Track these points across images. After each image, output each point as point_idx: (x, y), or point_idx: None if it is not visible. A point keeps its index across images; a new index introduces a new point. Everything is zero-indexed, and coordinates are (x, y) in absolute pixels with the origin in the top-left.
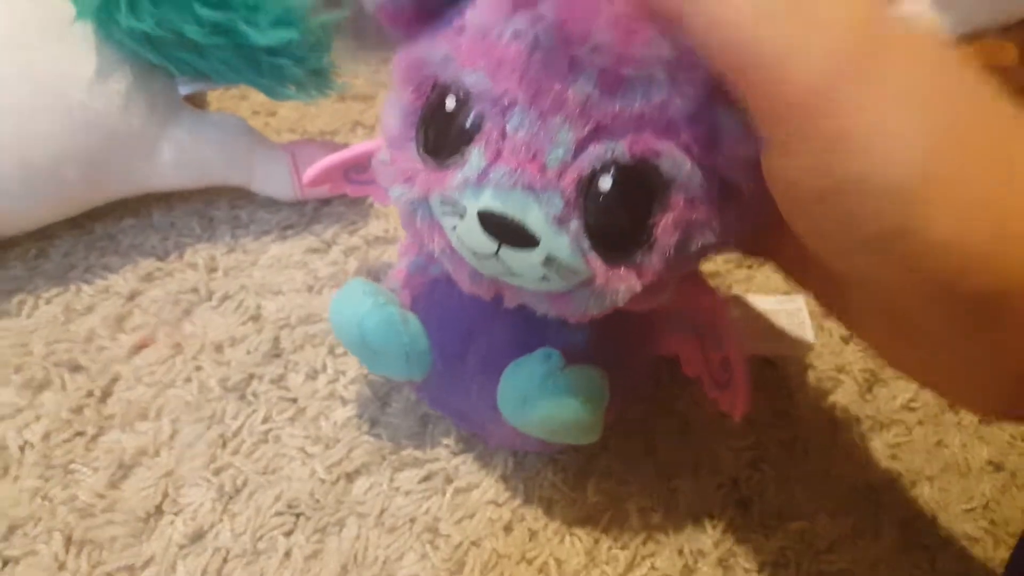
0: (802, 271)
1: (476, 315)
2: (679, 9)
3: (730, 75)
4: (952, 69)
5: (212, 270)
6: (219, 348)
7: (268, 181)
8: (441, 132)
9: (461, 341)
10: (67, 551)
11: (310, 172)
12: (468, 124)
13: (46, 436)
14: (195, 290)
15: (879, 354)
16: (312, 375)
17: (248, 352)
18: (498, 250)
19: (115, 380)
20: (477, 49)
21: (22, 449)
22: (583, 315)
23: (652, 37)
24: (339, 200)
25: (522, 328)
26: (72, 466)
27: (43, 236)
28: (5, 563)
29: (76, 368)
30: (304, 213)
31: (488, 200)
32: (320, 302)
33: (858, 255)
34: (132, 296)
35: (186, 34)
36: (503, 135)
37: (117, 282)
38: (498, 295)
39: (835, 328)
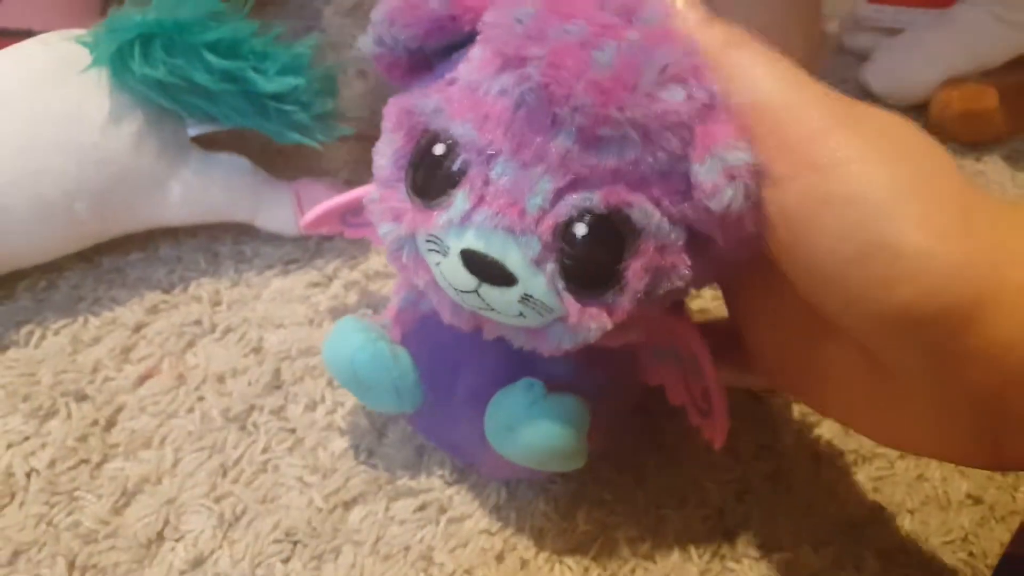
0: (783, 370)
1: (464, 349)
2: (717, 64)
3: (747, 121)
4: (916, 136)
5: (216, 303)
6: (221, 379)
7: (272, 218)
8: (429, 175)
9: (450, 374)
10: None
11: (308, 216)
12: (454, 169)
13: (52, 463)
14: (199, 323)
15: (865, 431)
16: (311, 406)
17: (249, 383)
18: (478, 287)
19: (120, 409)
20: (466, 102)
21: (28, 476)
22: (557, 349)
23: (628, 102)
24: (341, 236)
25: (508, 361)
26: (76, 493)
27: (52, 269)
28: None
29: (82, 397)
30: (307, 248)
31: (471, 240)
32: (320, 335)
33: (843, 275)
34: (138, 328)
35: (197, 81)
36: (487, 181)
37: (124, 314)
38: (479, 328)
39: None
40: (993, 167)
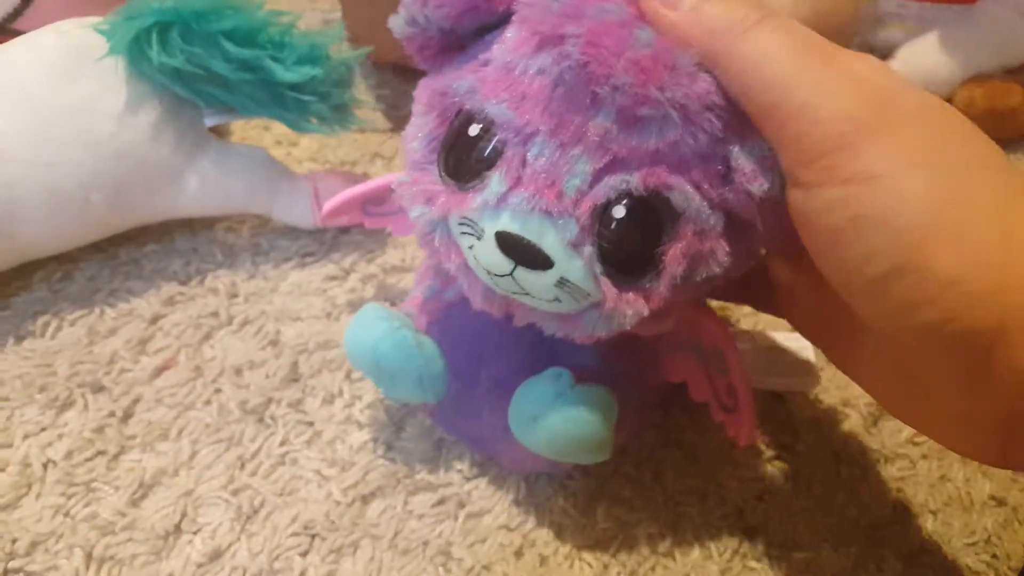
0: (814, 326)
1: (489, 338)
2: (725, 51)
3: (764, 116)
4: (957, 130)
5: (233, 296)
6: (239, 372)
7: (289, 210)
8: (463, 157)
9: (474, 363)
10: (88, 567)
11: (329, 205)
12: (489, 151)
13: (69, 454)
14: (216, 315)
15: (883, 405)
16: (329, 400)
17: (267, 376)
18: (513, 270)
19: (137, 401)
20: (502, 82)
21: (45, 467)
22: (590, 336)
23: (669, 82)
24: (357, 229)
25: (533, 350)
26: (94, 484)
27: (68, 260)
28: None
29: (99, 389)
30: (323, 241)
31: (506, 222)
32: (338, 328)
33: (869, 291)
34: (154, 319)
35: (215, 70)
36: (523, 163)
37: (140, 305)
38: (509, 315)
39: None
40: (1018, 165)
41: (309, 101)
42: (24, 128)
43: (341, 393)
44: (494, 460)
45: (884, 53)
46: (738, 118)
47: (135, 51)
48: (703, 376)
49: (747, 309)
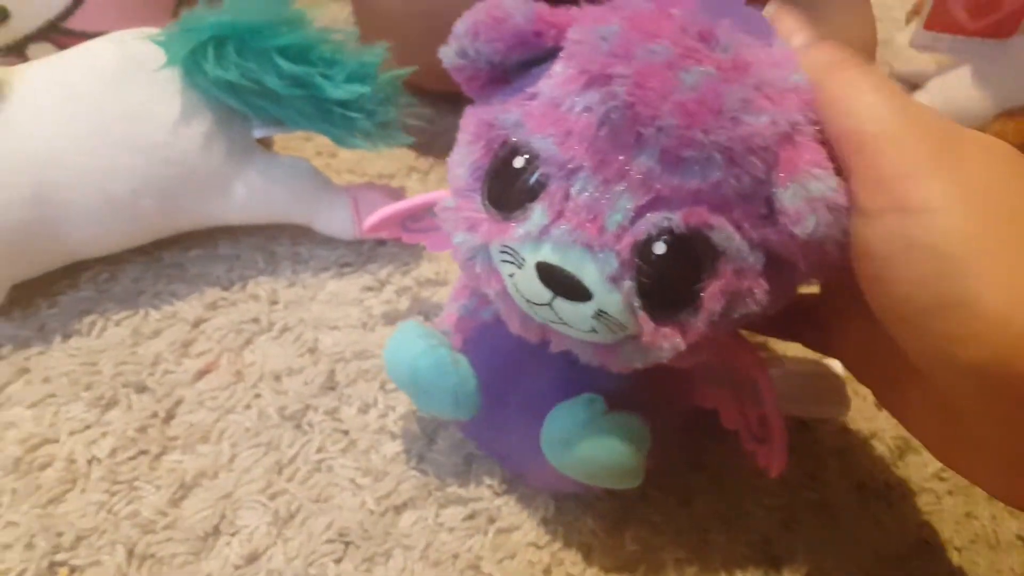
0: (862, 364)
1: (523, 359)
2: (822, 81)
3: (844, 140)
4: (1018, 173)
5: (273, 302)
6: (278, 378)
7: (329, 221)
8: (506, 187)
9: (507, 384)
10: (129, 564)
11: (370, 220)
12: (533, 183)
13: (112, 452)
14: (256, 320)
15: (930, 449)
16: (364, 409)
17: (305, 383)
18: (552, 300)
19: (179, 403)
20: (548, 117)
21: (90, 463)
22: (625, 367)
23: (713, 125)
24: (393, 242)
25: (566, 373)
26: (136, 483)
27: (114, 261)
28: (72, 571)
29: (142, 389)
30: (361, 252)
31: (547, 254)
32: (373, 339)
33: (917, 323)
34: (197, 323)
35: (267, 84)
36: (566, 196)
37: (183, 309)
38: (545, 340)
39: (869, 394)
40: None
41: (356, 118)
42: (79, 133)
43: (376, 403)
44: (522, 478)
45: (913, 84)
46: (784, 160)
47: (191, 63)
48: (735, 406)
49: None
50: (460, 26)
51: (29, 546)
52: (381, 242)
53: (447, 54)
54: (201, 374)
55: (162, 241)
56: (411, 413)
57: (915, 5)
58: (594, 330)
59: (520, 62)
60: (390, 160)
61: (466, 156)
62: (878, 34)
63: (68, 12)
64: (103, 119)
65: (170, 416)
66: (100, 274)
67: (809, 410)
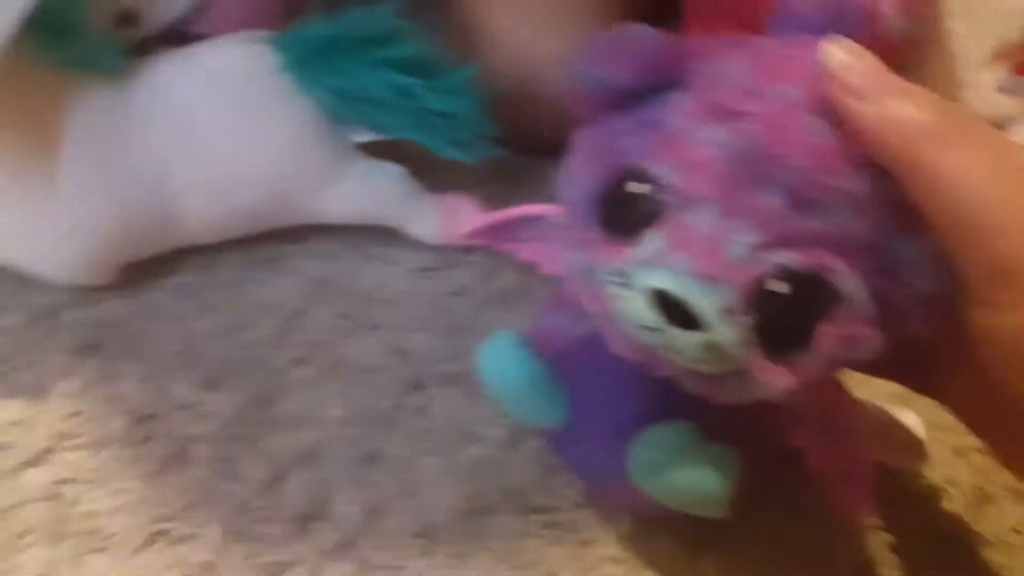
0: (975, 416)
1: (615, 380)
2: (917, 160)
3: (953, 229)
4: None
5: (365, 300)
6: (369, 372)
7: (419, 225)
8: (622, 212)
9: (597, 403)
10: (224, 541)
11: (470, 226)
12: (651, 210)
13: (214, 432)
14: (348, 316)
15: None
16: (450, 411)
17: (395, 381)
18: (662, 327)
19: (277, 390)
20: (671, 147)
21: (193, 441)
22: (728, 399)
23: (843, 171)
24: (481, 250)
25: (659, 398)
26: (237, 464)
27: (213, 250)
28: (176, 540)
29: (243, 374)
30: (447, 258)
31: (663, 281)
32: (460, 342)
33: None
34: (293, 315)
35: (374, 93)
36: (686, 226)
37: (280, 300)
38: (643, 363)
39: (947, 439)
40: None
41: (455, 129)
42: (201, 127)
43: (462, 406)
44: (602, 495)
45: (996, 127)
46: (913, 215)
47: (303, 69)
48: (823, 446)
49: (859, 378)
50: (585, 51)
51: (134, 513)
52: (468, 248)
53: (570, 76)
54: (296, 363)
55: (259, 234)
56: (497, 418)
57: (1000, 47)
58: (702, 360)
59: (639, 89)
60: (477, 169)
61: (580, 177)
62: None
63: (191, 17)
64: (223, 116)
65: (268, 403)
66: (202, 261)
67: (886, 454)
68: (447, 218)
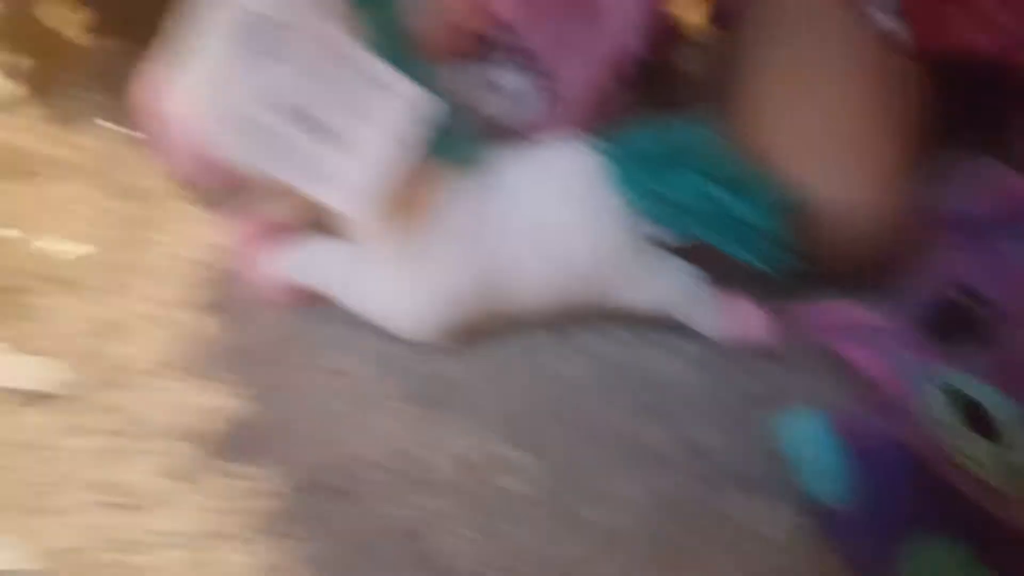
0: None
1: (902, 479)
2: None
3: None
4: None
5: (654, 385)
6: (695, 448)
7: (703, 318)
8: (951, 323)
9: (879, 494)
10: None
11: (754, 324)
12: (977, 327)
13: (532, 495)
14: (640, 403)
15: None
16: (745, 512)
17: (689, 476)
18: (963, 435)
19: (581, 463)
20: (1007, 275)
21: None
22: (1007, 517)
23: None
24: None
25: (938, 506)
26: (556, 529)
27: (529, 327)
28: None
29: (551, 440)
30: (725, 350)
31: (964, 383)
32: (748, 440)
33: None
34: (594, 393)
35: (693, 204)
36: (1010, 346)
37: (581, 375)
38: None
39: None
40: None
41: (763, 242)
42: (542, 218)
43: (757, 509)
44: None
45: None
46: None
47: (629, 174)
48: None
49: None
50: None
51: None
52: (743, 341)
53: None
54: (591, 439)
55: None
56: (791, 523)
57: None
58: (992, 472)
59: (988, 220)
60: None
61: (920, 289)
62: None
63: (535, 122)
64: (563, 207)
65: (578, 473)
66: (520, 334)
67: None
68: (732, 315)
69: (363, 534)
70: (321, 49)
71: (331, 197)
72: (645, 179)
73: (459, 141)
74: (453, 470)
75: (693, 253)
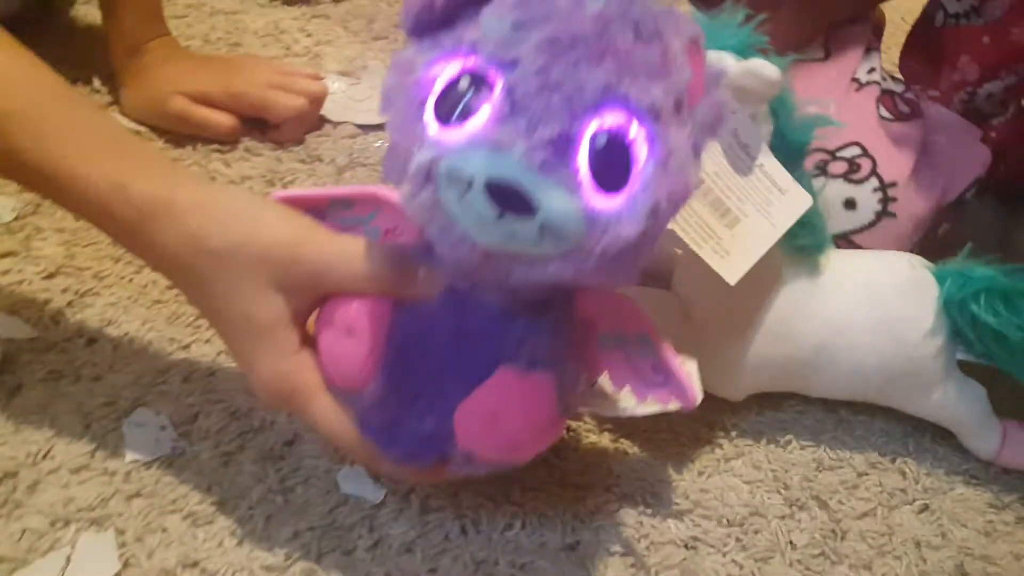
0: None
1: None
2: None
3: None
4: None
5: (915, 480)
6: (918, 545)
7: (976, 439)
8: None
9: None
10: None
11: None
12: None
13: (802, 545)
14: (904, 491)
15: None
16: None
17: (936, 563)
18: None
19: (846, 532)
20: None
21: (786, 546)
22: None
23: None
24: None
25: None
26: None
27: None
28: None
29: (823, 506)
30: (991, 472)
31: None
32: (1000, 548)
33: None
34: (861, 473)
35: (1010, 334)
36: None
37: (854, 459)
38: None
39: None
40: None
41: None
42: (862, 315)
43: None
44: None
45: None
46: None
47: (958, 300)
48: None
49: None
50: None
51: None
52: (1006, 471)
53: None
54: (863, 515)
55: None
56: None
57: None
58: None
59: None
60: None
61: None
62: None
63: (862, 229)
64: (882, 312)
65: (842, 536)
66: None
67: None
68: (1011, 444)
69: None
70: (745, 154)
71: (716, 262)
72: (971, 306)
73: (812, 237)
74: (721, 527)
75: (978, 372)
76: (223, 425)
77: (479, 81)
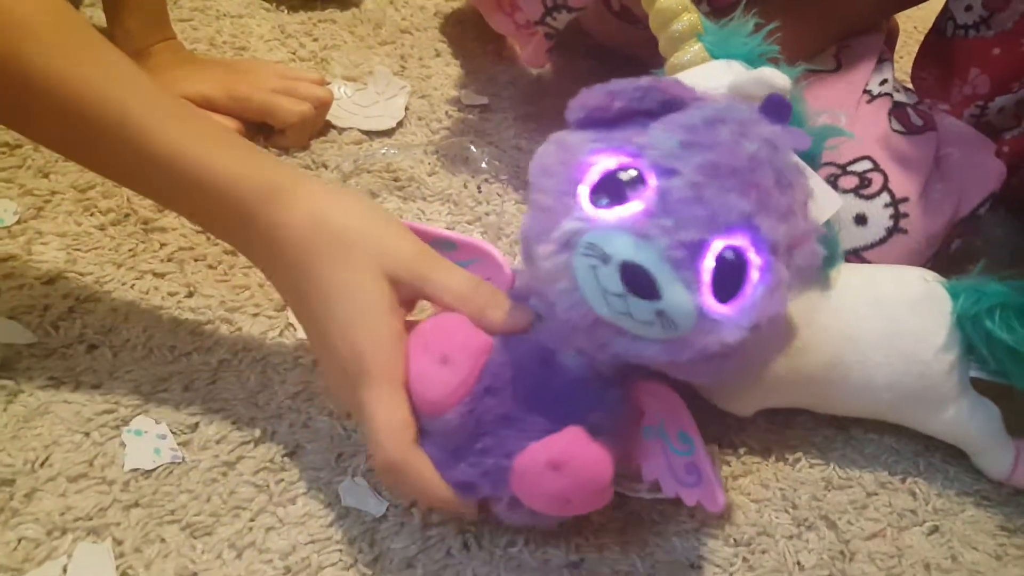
0: None
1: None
2: None
3: None
4: None
5: (925, 502)
6: (927, 567)
7: (992, 461)
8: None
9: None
10: None
11: None
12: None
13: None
14: (913, 512)
15: None
16: None
17: None
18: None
19: (854, 554)
20: None
21: (795, 565)
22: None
23: None
24: None
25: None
26: None
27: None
28: None
29: (831, 526)
30: (1002, 491)
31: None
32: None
33: None
34: (871, 493)
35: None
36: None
37: (863, 478)
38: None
39: None
40: None
41: None
42: (873, 330)
43: None
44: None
45: None
46: None
47: (972, 315)
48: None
49: None
50: None
51: None
52: (1019, 492)
53: None
54: (872, 536)
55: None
56: None
57: None
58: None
59: None
60: None
61: None
62: None
63: (873, 246)
64: (894, 327)
65: (851, 557)
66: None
67: None
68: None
69: None
70: None
71: None
72: (987, 323)
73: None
74: (728, 546)
75: (991, 390)
76: (224, 435)
77: (638, 179)
